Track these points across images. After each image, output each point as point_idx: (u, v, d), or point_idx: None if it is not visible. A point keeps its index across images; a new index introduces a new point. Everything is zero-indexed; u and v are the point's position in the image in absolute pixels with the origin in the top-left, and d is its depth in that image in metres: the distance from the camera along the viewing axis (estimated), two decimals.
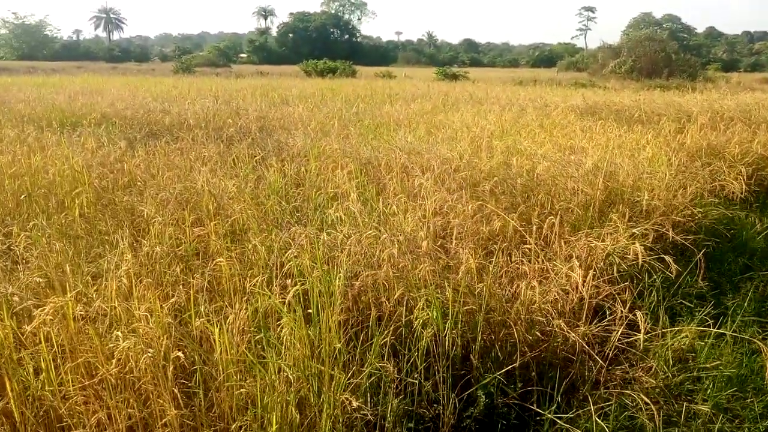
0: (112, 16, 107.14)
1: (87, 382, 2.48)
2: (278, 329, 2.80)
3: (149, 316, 2.61)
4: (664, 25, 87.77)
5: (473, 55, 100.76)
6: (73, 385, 2.47)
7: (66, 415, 2.43)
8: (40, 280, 3.18)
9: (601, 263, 4.11)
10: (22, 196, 5.00)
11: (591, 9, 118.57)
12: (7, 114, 10.49)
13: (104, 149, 6.76)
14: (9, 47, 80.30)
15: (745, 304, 4.33)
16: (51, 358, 2.47)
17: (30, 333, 2.59)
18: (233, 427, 2.43)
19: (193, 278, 3.20)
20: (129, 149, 6.85)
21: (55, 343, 2.52)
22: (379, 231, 3.89)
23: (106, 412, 2.41)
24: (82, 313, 2.67)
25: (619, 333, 3.42)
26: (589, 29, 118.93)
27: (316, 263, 3.18)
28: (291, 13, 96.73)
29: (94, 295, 2.95)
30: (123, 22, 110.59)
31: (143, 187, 5.27)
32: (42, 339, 2.45)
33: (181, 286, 3.20)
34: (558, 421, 2.95)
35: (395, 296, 3.20)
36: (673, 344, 3.67)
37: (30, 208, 4.88)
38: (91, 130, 8.08)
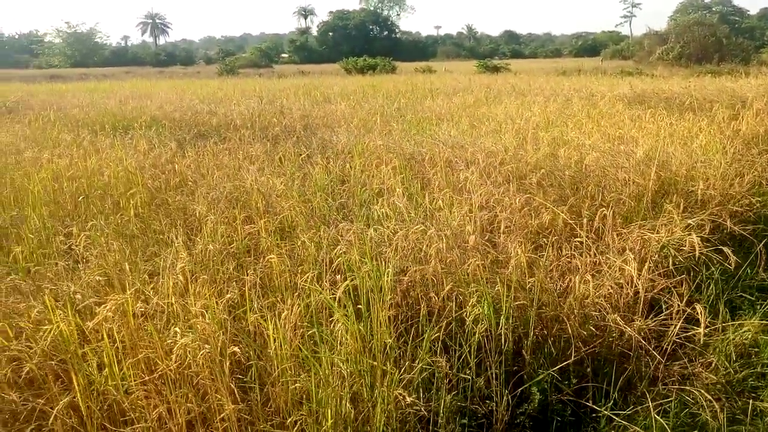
0: (157, 21, 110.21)
1: (147, 378, 2.56)
2: (330, 324, 2.82)
3: (205, 312, 2.67)
4: (713, 9, 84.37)
5: (514, 46, 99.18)
6: (134, 380, 2.55)
7: (129, 409, 2.51)
8: (100, 278, 3.29)
9: (656, 256, 3.99)
10: (80, 198, 5.18)
11: None
12: (63, 119, 10.92)
13: (155, 151, 6.96)
14: (63, 55, 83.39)
15: None
16: (113, 353, 2.56)
17: (92, 329, 2.69)
18: (289, 421, 2.47)
19: (247, 275, 3.26)
20: (179, 150, 7.02)
21: (117, 339, 2.61)
22: (426, 226, 3.87)
23: (166, 406, 2.48)
24: (141, 309, 2.75)
25: (677, 328, 3.31)
26: (634, 16, 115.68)
27: (364, 259, 3.19)
28: (330, 12, 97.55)
29: (151, 293, 3.04)
30: (168, 27, 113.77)
31: (194, 186, 5.40)
32: (105, 335, 2.54)
33: (234, 283, 3.26)
34: (615, 418, 2.88)
35: (444, 291, 3.18)
36: (734, 339, 3.53)
37: (87, 209, 5.07)
38: (142, 133, 8.32)
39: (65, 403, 2.39)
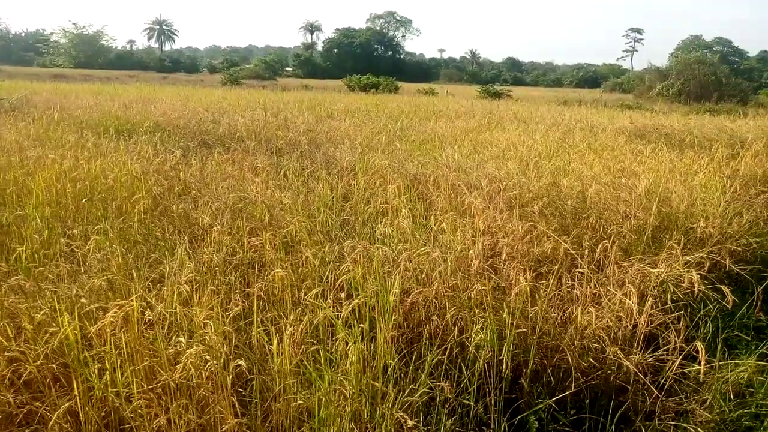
0: (165, 27, 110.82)
1: (149, 386, 2.55)
2: (333, 342, 2.83)
3: (210, 323, 2.67)
4: (714, 48, 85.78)
5: (516, 73, 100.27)
6: (136, 388, 2.54)
7: (128, 418, 2.50)
8: (103, 283, 3.29)
9: (655, 290, 4.02)
10: (83, 200, 5.18)
11: (638, 30, 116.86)
12: (67, 119, 10.93)
13: (160, 157, 6.97)
14: (67, 55, 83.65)
15: None
16: (116, 360, 2.55)
17: (94, 334, 2.68)
18: None
19: (250, 287, 3.26)
20: (183, 158, 7.04)
21: (123, 345, 2.60)
22: (430, 248, 3.89)
23: (166, 416, 2.47)
24: (146, 317, 2.75)
25: (676, 364, 3.32)
26: (636, 51, 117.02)
27: (369, 278, 3.21)
28: (337, 29, 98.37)
29: (154, 300, 3.04)
30: (175, 34, 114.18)
31: (198, 195, 5.41)
32: (109, 341, 2.53)
33: (238, 295, 3.27)
34: None
35: (448, 316, 3.19)
36: (730, 378, 3.55)
37: (90, 212, 5.07)
38: (147, 138, 8.34)
39: (65, 408, 2.37)
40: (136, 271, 3.36)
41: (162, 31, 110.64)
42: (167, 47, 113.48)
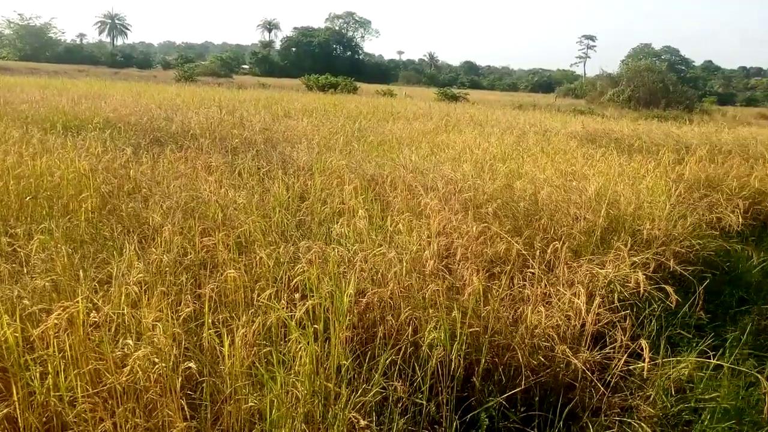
0: (117, 21, 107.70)
1: (94, 390, 2.48)
2: (286, 344, 2.81)
3: (159, 325, 2.61)
4: (662, 57, 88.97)
5: (473, 77, 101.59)
6: (80, 392, 2.46)
7: (72, 423, 2.42)
8: (47, 284, 3.17)
9: (603, 290, 4.14)
10: (27, 198, 4.99)
11: (591, 37, 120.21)
12: (11, 114, 10.50)
13: (109, 154, 6.77)
14: (12, 47, 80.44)
15: (744, 336, 4.36)
16: (59, 363, 2.47)
17: (37, 337, 2.59)
18: None
19: (202, 288, 3.21)
20: (134, 155, 6.86)
21: (67, 348, 2.52)
22: (386, 249, 3.91)
23: (112, 421, 2.40)
24: (92, 319, 2.67)
25: (622, 361, 3.43)
26: (589, 57, 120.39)
27: (324, 278, 3.20)
28: (295, 28, 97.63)
29: (101, 302, 2.95)
30: (127, 28, 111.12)
31: (149, 193, 5.28)
32: (53, 344, 2.45)
33: (189, 296, 3.21)
34: None
35: (403, 316, 3.21)
36: (672, 374, 3.69)
37: (34, 210, 4.88)
38: (96, 135, 8.09)
39: (3, 414, 2.28)
40: (82, 271, 3.25)
41: (114, 25, 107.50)
42: (119, 42, 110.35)
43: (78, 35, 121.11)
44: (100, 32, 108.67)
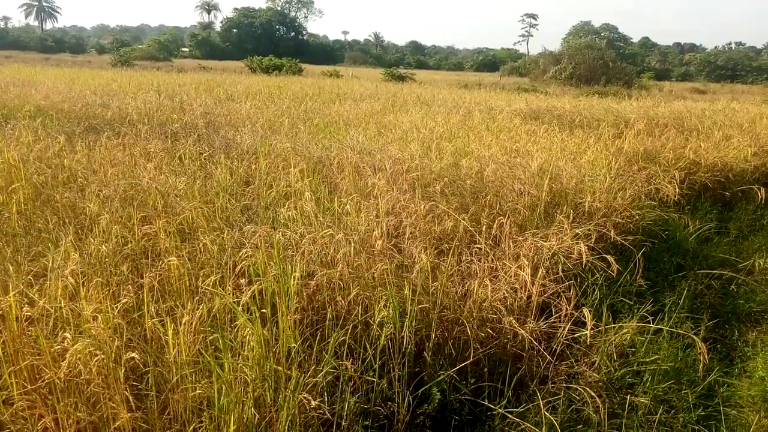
0: (44, 4, 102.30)
1: (31, 387, 2.38)
2: (233, 330, 2.76)
3: (98, 316, 2.52)
4: (602, 34, 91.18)
5: (419, 57, 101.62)
6: (16, 390, 2.36)
7: (8, 422, 2.31)
8: None
9: (547, 262, 4.25)
10: None
11: (533, 16, 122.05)
12: None
13: (41, 143, 6.45)
14: None
15: (681, 301, 4.57)
16: None
17: None
18: (189, 429, 2.38)
19: (143, 278, 3.11)
20: (68, 144, 6.56)
21: (0, 345, 2.40)
22: (334, 230, 3.88)
23: (52, 416, 2.32)
24: (25, 314, 2.55)
25: (566, 330, 3.54)
26: (531, 35, 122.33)
27: (270, 262, 3.15)
28: (235, 9, 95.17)
29: (36, 296, 2.82)
30: (57, 11, 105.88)
31: (85, 183, 5.07)
32: None
33: (129, 286, 3.11)
34: (509, 415, 3.04)
35: (351, 296, 3.21)
36: (614, 340, 3.83)
37: None
38: (26, 123, 7.68)
39: None
40: (15, 265, 3.10)
41: (42, 7, 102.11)
42: (48, 26, 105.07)
43: (1, 18, 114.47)
44: (27, 15, 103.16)
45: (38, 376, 2.44)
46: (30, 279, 3.12)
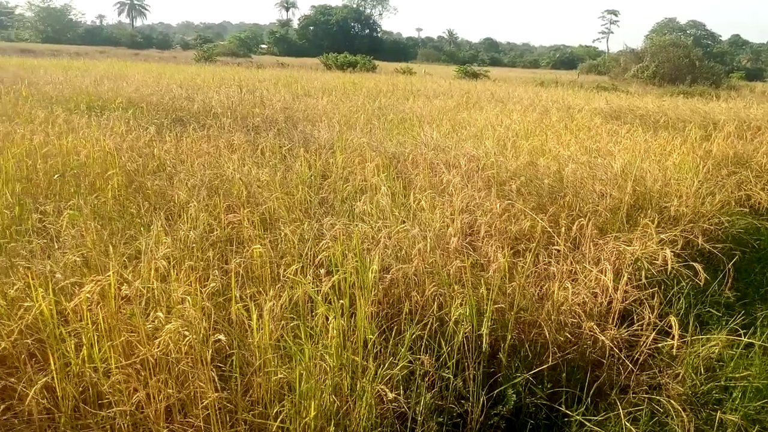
0: (135, 2, 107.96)
1: (127, 362, 2.52)
2: (313, 318, 2.82)
3: (188, 298, 2.64)
4: (688, 32, 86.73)
5: (493, 54, 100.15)
6: (113, 364, 2.51)
7: (107, 393, 2.47)
8: (78, 259, 3.22)
9: (630, 268, 4.09)
10: (55, 176, 5.06)
11: (614, 12, 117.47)
12: (36, 95, 10.63)
13: (133, 133, 6.83)
14: (34, 30, 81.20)
15: None
16: (93, 335, 2.51)
17: (71, 310, 2.64)
18: (272, 412, 2.46)
19: (229, 264, 3.23)
20: (157, 134, 6.91)
21: (99, 321, 2.56)
22: (409, 226, 3.90)
23: (145, 391, 2.45)
24: (123, 292, 2.71)
25: (650, 339, 3.40)
26: (612, 32, 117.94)
27: (348, 254, 3.20)
28: (313, 6, 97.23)
29: (131, 276, 2.99)
30: (146, 9, 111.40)
31: (173, 171, 5.32)
32: (86, 316, 2.49)
33: (216, 271, 3.23)
34: (586, 423, 2.95)
35: (428, 292, 3.21)
36: (701, 352, 3.64)
37: (62, 188, 4.95)
38: (119, 114, 8.16)
39: (42, 384, 2.33)
40: (111, 247, 3.29)
41: (133, 6, 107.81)
42: (138, 23, 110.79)
43: (98, 16, 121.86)
44: (120, 13, 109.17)
45: (132, 352, 2.58)
46: (125, 260, 3.30)
